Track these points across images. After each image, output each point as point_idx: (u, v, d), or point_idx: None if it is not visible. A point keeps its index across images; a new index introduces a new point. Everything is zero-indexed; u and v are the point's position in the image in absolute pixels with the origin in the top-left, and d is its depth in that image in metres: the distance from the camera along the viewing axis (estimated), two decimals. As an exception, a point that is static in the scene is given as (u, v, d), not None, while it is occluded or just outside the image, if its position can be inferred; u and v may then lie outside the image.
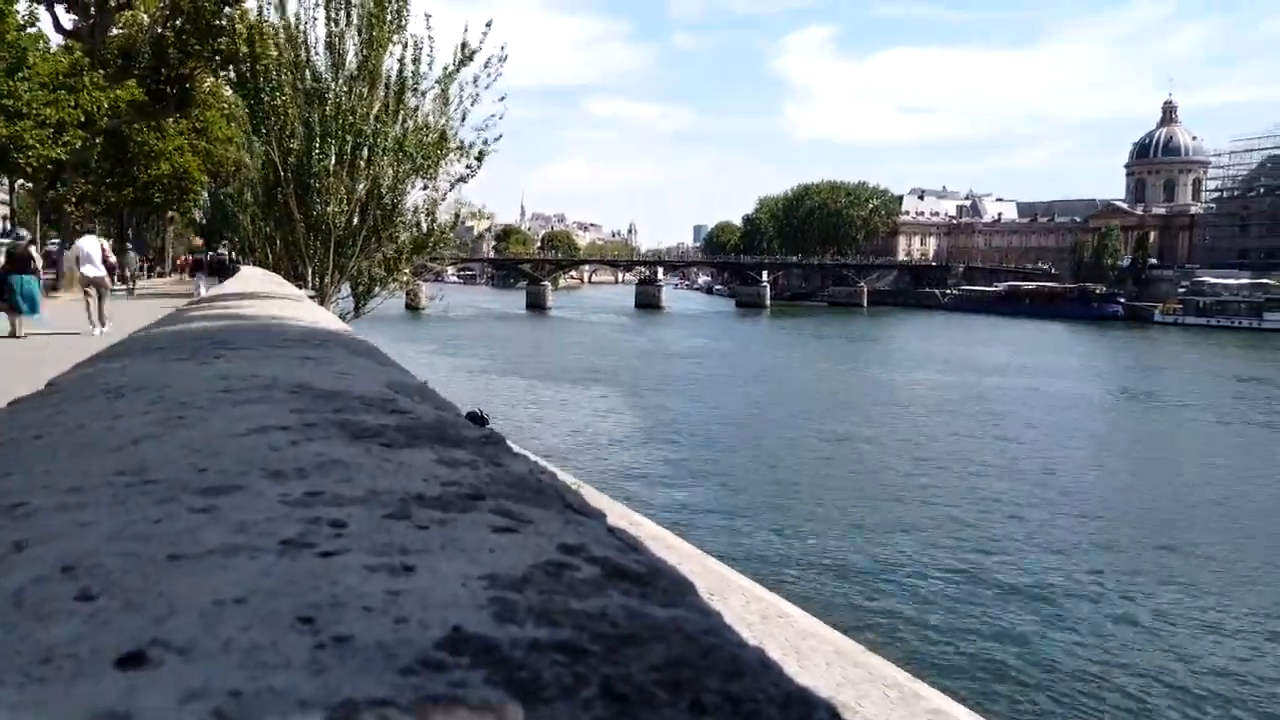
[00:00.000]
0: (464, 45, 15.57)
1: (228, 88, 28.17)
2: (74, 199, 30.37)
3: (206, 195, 45.21)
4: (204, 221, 51.30)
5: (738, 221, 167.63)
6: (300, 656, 0.42)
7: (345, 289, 17.08)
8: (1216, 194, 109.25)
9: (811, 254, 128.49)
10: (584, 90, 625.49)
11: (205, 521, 0.65)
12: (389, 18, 15.28)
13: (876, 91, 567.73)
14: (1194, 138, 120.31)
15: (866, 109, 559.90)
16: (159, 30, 29.57)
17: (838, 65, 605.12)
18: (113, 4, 28.23)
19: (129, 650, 0.42)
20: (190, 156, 36.77)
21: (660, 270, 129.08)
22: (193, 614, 0.47)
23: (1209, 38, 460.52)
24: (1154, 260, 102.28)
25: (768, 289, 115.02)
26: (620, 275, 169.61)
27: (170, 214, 48.23)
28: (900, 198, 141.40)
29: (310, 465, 0.82)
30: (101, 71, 25.91)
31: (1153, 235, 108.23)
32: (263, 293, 6.01)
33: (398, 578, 0.53)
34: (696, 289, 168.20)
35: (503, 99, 16.01)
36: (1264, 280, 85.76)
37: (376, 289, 17.59)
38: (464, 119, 16.03)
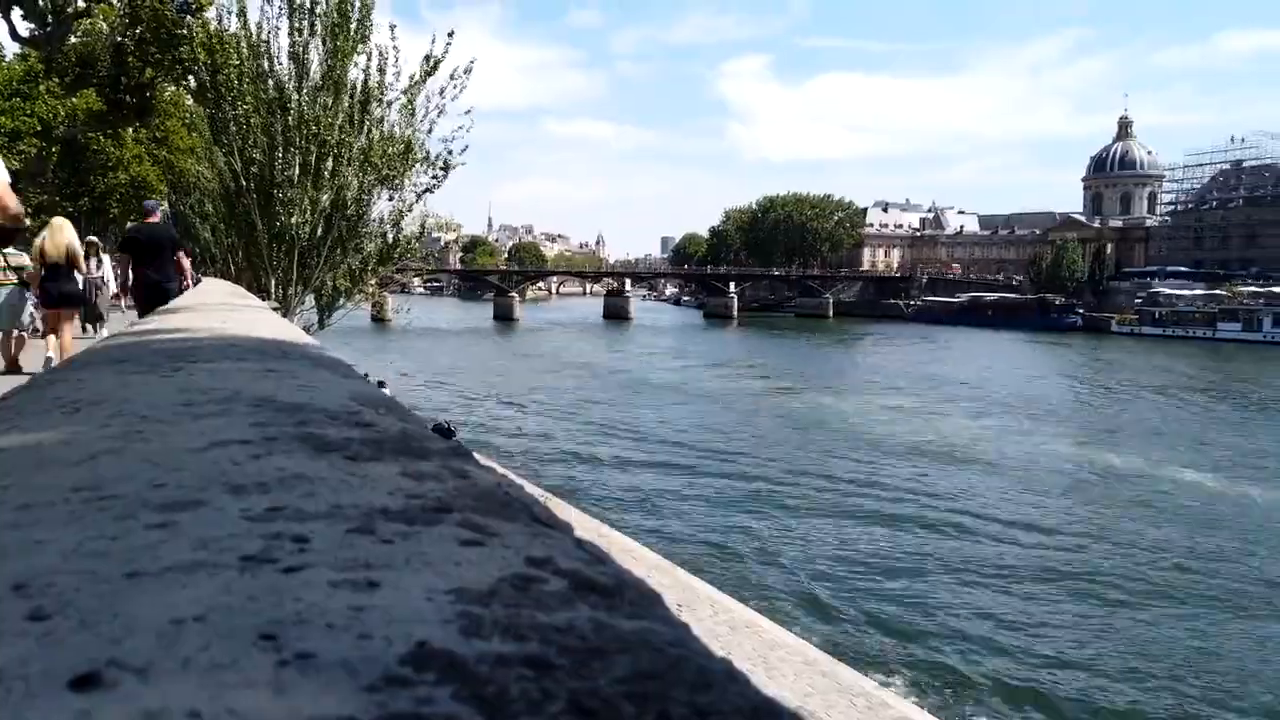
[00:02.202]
0: (429, 56, 15.54)
1: (189, 97, 27.79)
2: (30, 210, 29.73)
3: (166, 205, 44.50)
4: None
5: (705, 233, 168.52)
6: (262, 675, 0.41)
7: (309, 301, 16.89)
8: (1171, 207, 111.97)
9: (778, 265, 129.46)
10: (541, 111, 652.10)
11: (164, 538, 0.64)
12: (353, 28, 15.19)
13: (816, 114, 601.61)
14: (1149, 152, 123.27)
15: (812, 129, 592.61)
16: (118, 39, 29.10)
17: (776, 90, 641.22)
18: (70, 11, 27.76)
19: (83, 671, 0.42)
20: (149, 166, 36.19)
21: (628, 281, 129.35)
22: (150, 633, 0.46)
23: (1104, 70, 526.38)
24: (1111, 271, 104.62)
25: (735, 300, 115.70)
26: (588, 287, 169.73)
27: (129, 225, 47.40)
28: (864, 210, 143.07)
29: (273, 480, 0.81)
30: (58, 80, 25.45)
31: (1110, 247, 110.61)
32: (224, 304, 5.93)
33: (362, 593, 0.53)
34: (664, 300, 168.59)
35: (469, 111, 15.98)
36: (1217, 291, 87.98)
37: (341, 301, 17.41)
38: (430, 130, 15.98)
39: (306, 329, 13.35)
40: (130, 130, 33.96)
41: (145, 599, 0.51)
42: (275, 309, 11.06)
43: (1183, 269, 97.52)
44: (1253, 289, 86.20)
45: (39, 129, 23.85)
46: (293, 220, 15.16)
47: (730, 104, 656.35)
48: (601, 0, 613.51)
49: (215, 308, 5.37)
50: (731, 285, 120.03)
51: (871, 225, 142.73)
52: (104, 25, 29.97)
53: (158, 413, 1.21)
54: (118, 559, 0.59)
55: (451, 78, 15.50)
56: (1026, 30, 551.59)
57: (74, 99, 25.61)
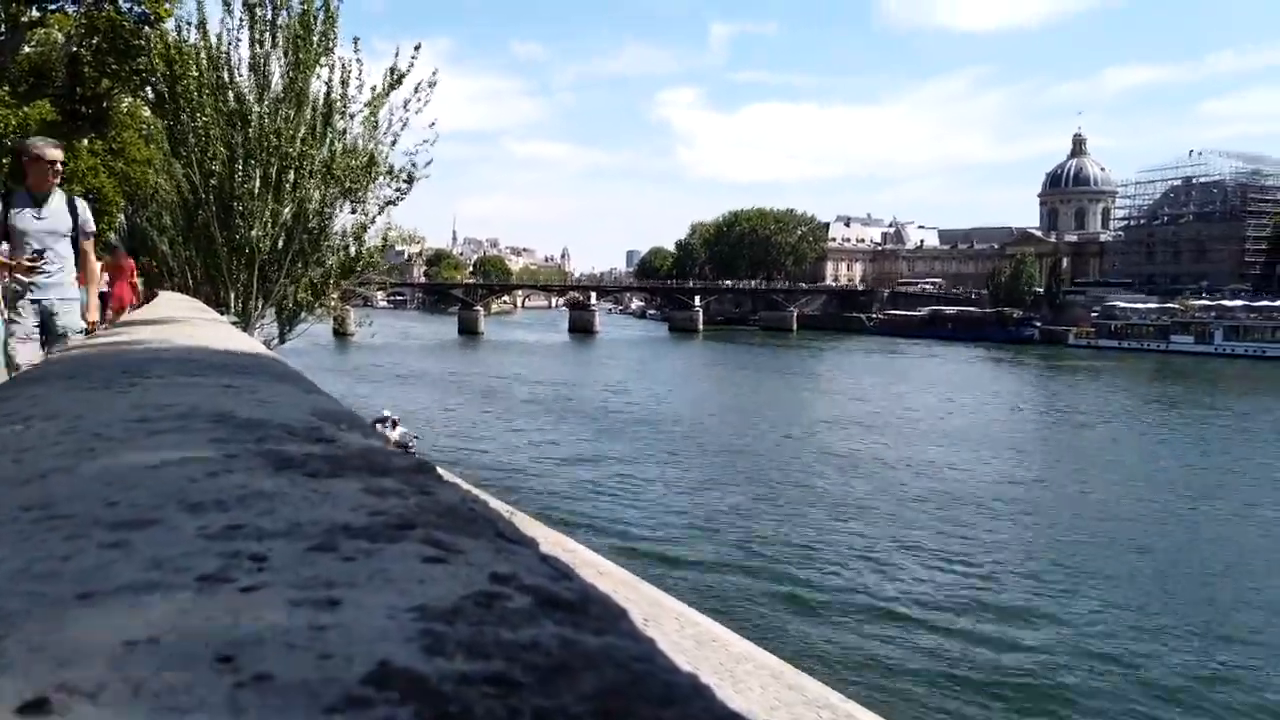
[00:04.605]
0: (393, 69, 15.47)
1: (146, 108, 27.39)
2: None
3: (123, 218, 43.75)
4: (120, 245, 49.66)
5: (670, 247, 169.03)
6: (218, 697, 0.40)
7: (270, 314, 16.64)
8: (1124, 222, 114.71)
9: (743, 279, 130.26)
10: (501, 132, 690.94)
11: (117, 557, 0.62)
12: (316, 40, 15.07)
13: (752, 140, 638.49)
14: (1102, 169, 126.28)
15: (751, 153, 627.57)
16: (74, 48, 28.56)
17: (712, 117, 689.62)
18: (25, 21, 27.21)
19: (31, 696, 0.40)
20: (105, 178, 35.54)
21: (594, 295, 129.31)
22: (102, 656, 0.45)
23: (1005, 104, 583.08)
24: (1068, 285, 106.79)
25: (700, 314, 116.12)
26: (554, 300, 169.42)
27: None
28: (827, 225, 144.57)
29: (231, 497, 0.80)
30: (11, 89, 24.89)
31: (1065, 261, 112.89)
32: (182, 318, 5.82)
33: (322, 612, 0.52)
34: (630, 313, 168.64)
35: (434, 124, 15.92)
36: (1170, 305, 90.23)
37: (303, 314, 17.18)
38: (394, 143, 15.88)
39: (266, 343, 13.17)
40: (86, 141, 33.32)
41: (97, 620, 0.50)
42: (235, 323, 10.89)
43: (1137, 283, 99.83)
44: (1204, 302, 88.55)
45: (-11, 139, 23.28)
46: (253, 233, 14.96)
47: (675, 129, 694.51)
48: (541, 34, 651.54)
49: (172, 321, 5.28)
50: (697, 299, 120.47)
51: (834, 239, 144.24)
52: (59, 35, 29.42)
53: (111, 430, 1.18)
54: (69, 579, 0.58)
55: (416, 90, 15.45)
56: (930, 68, 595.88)
57: (27, 109, 25.00)
